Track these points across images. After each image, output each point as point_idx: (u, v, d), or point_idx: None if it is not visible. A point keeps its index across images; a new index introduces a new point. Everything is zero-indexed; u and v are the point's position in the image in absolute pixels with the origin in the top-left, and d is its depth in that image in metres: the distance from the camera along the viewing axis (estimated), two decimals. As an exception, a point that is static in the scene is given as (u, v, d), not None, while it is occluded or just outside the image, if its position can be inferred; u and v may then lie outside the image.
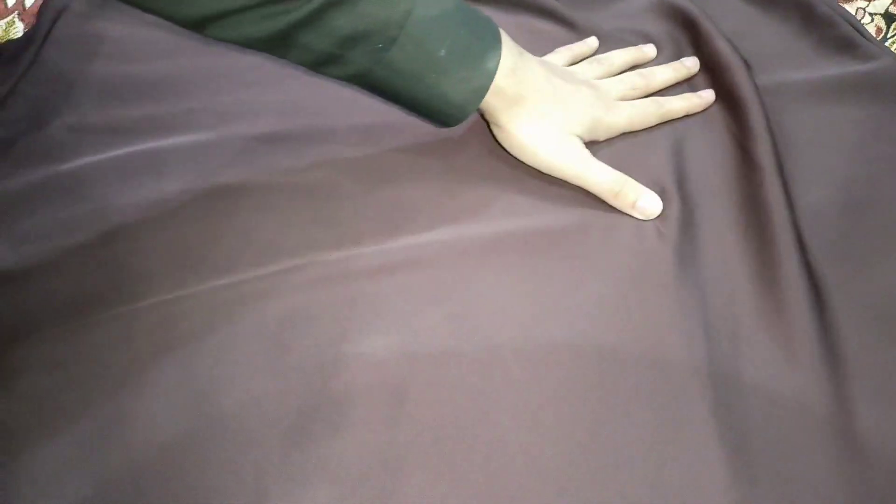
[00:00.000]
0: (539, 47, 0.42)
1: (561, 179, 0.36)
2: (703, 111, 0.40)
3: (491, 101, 0.34)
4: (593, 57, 0.42)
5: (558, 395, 0.28)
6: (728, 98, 0.40)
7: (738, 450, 0.27)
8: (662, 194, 0.35)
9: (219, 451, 0.27)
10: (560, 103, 0.36)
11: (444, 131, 0.38)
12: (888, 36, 0.48)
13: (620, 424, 0.28)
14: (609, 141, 0.38)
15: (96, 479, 0.26)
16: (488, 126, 0.37)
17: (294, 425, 0.27)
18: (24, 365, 0.28)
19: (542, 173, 0.36)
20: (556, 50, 0.43)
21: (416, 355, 0.29)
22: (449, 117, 0.34)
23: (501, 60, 0.33)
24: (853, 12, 0.49)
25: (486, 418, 0.28)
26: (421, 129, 0.38)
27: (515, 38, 0.36)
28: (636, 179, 0.35)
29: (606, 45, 0.44)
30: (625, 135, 0.39)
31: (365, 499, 0.26)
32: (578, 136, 0.36)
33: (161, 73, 0.42)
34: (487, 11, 0.39)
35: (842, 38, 0.43)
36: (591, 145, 0.37)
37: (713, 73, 0.41)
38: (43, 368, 0.28)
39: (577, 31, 0.45)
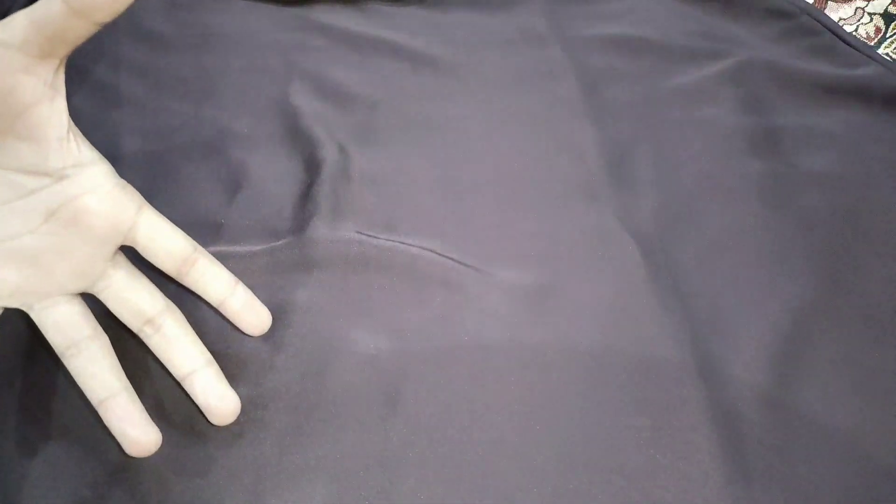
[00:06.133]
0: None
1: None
2: None
3: None
4: None
5: (551, 397, 0.29)
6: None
7: (731, 450, 0.27)
8: (632, 195, 0.35)
9: (215, 450, 0.27)
10: None
11: (458, 147, 0.38)
12: (887, 35, 0.48)
13: (613, 425, 0.28)
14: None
15: (93, 480, 0.26)
16: None
17: (291, 424, 0.27)
18: (18, 363, 0.28)
19: (539, 193, 0.36)
20: None
21: (406, 355, 0.29)
22: None
23: None
24: (852, 12, 0.49)
25: (481, 419, 0.28)
26: (433, 141, 0.39)
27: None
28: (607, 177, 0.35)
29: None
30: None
31: (361, 498, 0.26)
32: None
33: None
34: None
35: (823, 46, 0.43)
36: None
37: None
38: (37, 367, 0.28)
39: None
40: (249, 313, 0.28)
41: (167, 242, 0.27)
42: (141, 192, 0.26)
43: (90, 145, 0.25)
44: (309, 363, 0.29)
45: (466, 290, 0.32)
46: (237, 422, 0.27)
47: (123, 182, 0.26)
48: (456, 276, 0.32)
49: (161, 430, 0.27)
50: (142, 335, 0.27)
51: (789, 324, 0.31)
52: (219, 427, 0.27)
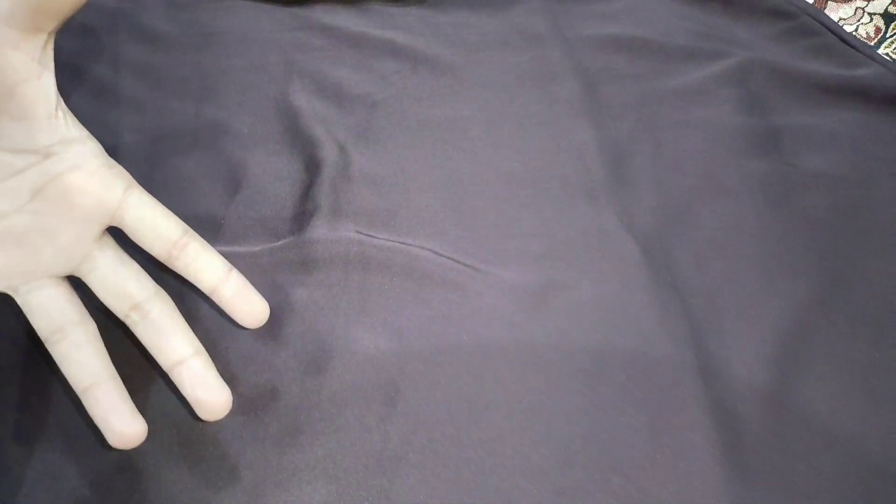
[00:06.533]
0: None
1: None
2: None
3: None
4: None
5: (549, 396, 0.29)
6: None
7: (730, 448, 0.27)
8: (632, 194, 0.35)
9: (215, 450, 0.27)
10: None
11: (458, 147, 0.38)
12: (887, 35, 0.48)
13: (612, 424, 0.28)
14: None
15: (92, 479, 0.26)
16: None
17: (291, 424, 0.27)
18: (18, 361, 0.28)
19: (539, 193, 0.36)
20: None
21: (405, 355, 0.29)
22: None
23: None
24: (852, 12, 0.49)
25: (480, 418, 0.28)
26: (436, 139, 0.39)
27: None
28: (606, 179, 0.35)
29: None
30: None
31: (361, 498, 0.26)
32: None
33: None
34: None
35: (823, 45, 0.43)
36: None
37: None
38: (37, 366, 0.28)
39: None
40: (243, 302, 0.26)
41: (156, 224, 0.25)
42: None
43: (78, 122, 0.25)
44: (309, 362, 0.29)
45: (466, 290, 0.32)
46: (237, 422, 0.27)
47: (111, 161, 0.25)
48: (456, 276, 0.32)
49: (161, 429, 0.27)
50: (128, 322, 0.26)
51: (789, 323, 0.31)
52: (219, 426, 0.27)
